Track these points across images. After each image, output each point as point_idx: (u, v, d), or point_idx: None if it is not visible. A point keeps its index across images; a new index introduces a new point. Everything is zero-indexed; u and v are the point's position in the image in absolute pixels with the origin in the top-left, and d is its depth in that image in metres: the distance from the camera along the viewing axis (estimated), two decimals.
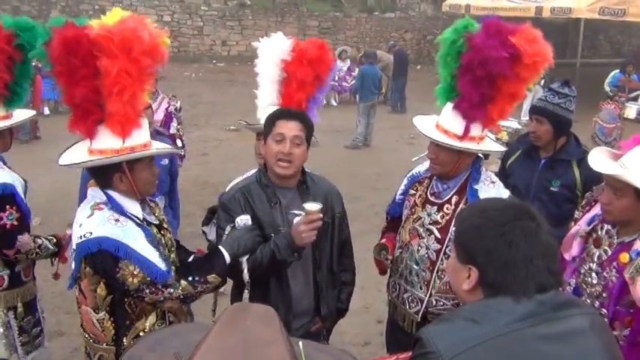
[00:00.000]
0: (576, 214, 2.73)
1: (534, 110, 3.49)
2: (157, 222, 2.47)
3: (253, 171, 2.76)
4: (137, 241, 2.21)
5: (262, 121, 3.12)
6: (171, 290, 2.25)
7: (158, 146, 2.46)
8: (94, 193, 2.31)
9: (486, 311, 1.42)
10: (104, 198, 2.27)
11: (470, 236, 1.51)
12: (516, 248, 1.43)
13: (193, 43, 19.41)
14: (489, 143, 2.72)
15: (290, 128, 2.52)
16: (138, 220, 2.30)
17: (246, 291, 2.48)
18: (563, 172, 3.39)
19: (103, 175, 2.29)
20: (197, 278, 2.31)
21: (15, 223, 2.80)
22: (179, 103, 5.49)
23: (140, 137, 2.28)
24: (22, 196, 2.89)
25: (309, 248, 2.60)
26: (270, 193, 2.58)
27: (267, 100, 3.15)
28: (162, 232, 2.45)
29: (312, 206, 2.42)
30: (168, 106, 5.21)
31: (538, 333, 1.38)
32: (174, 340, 1.17)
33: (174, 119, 5.25)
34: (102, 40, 2.10)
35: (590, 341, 1.43)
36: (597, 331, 1.46)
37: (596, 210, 2.48)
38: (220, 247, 2.42)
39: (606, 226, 2.40)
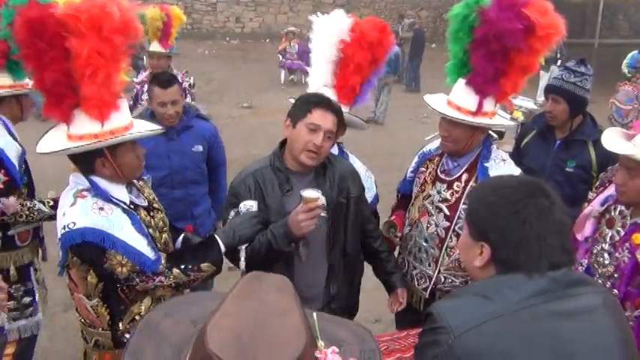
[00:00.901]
0: (590, 194, 2.73)
1: (550, 89, 3.46)
2: (146, 203, 2.37)
3: (269, 153, 2.63)
4: (124, 229, 2.11)
5: None
6: (163, 278, 2.18)
7: (145, 127, 2.29)
8: (77, 180, 2.19)
9: (498, 287, 1.42)
10: (87, 184, 2.16)
11: (483, 214, 1.50)
12: (530, 226, 1.42)
13: (207, 20, 19.31)
14: (500, 118, 2.72)
15: (327, 121, 2.40)
16: (124, 206, 2.20)
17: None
18: (578, 153, 3.36)
19: (84, 161, 2.16)
20: (190, 266, 2.23)
21: (1, 186, 2.77)
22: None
23: (120, 120, 2.14)
24: (14, 161, 2.84)
25: (323, 232, 2.52)
26: (282, 178, 2.48)
27: (320, 81, 2.99)
28: (151, 213, 2.36)
29: (311, 194, 2.31)
30: (182, 82, 5.19)
31: (550, 310, 1.38)
32: (190, 307, 1.20)
33: (189, 95, 5.25)
34: (69, 19, 1.94)
35: (602, 319, 1.43)
36: (610, 309, 1.46)
37: (610, 191, 2.47)
38: (216, 235, 2.34)
39: (620, 207, 2.39)
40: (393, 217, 3.02)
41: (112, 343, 2.30)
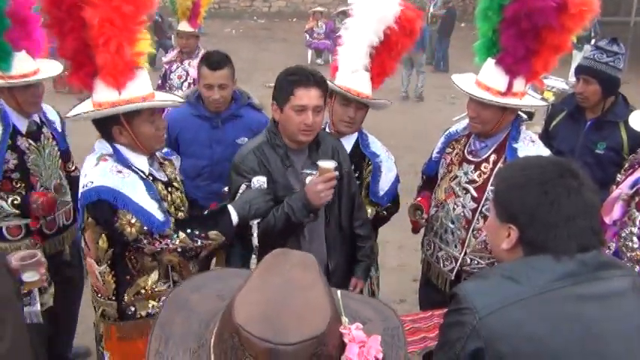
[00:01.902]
0: (618, 177, 2.68)
1: (581, 70, 3.37)
2: (166, 179, 2.42)
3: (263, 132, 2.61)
4: (136, 191, 2.19)
5: (343, 84, 2.85)
6: (169, 241, 2.23)
7: (162, 98, 2.35)
8: (101, 145, 2.29)
9: (525, 270, 1.40)
10: (110, 150, 2.26)
11: (511, 195, 1.47)
12: (558, 207, 1.39)
13: None
14: (530, 98, 2.67)
15: (311, 97, 2.36)
16: (143, 175, 2.27)
17: (253, 256, 2.39)
18: (609, 134, 3.29)
19: (103, 128, 2.27)
20: (197, 232, 2.27)
21: None
22: None
23: (139, 89, 2.21)
24: None
25: (321, 208, 2.51)
26: (282, 154, 2.48)
27: (357, 64, 2.88)
28: (169, 189, 2.41)
29: (327, 164, 2.32)
30: None
31: (578, 293, 1.36)
32: (217, 284, 1.22)
33: None
34: None
35: (630, 303, 1.41)
36: (638, 293, 1.43)
37: None
38: (230, 206, 2.36)
39: None
40: (418, 199, 3.01)
41: (117, 314, 2.36)
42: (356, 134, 2.99)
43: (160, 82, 5.44)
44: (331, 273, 2.64)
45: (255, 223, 2.37)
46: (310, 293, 1.00)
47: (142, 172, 2.28)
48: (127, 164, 2.24)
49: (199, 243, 2.28)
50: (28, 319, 2.86)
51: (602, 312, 1.37)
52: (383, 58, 2.96)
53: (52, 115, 3.15)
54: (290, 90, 2.37)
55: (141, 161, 2.30)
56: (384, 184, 2.97)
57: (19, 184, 2.89)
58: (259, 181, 2.40)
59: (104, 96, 2.18)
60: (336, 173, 2.35)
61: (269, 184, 2.43)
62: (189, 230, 2.27)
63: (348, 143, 2.92)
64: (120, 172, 2.20)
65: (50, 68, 3.00)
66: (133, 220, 2.16)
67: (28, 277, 2.16)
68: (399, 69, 3.19)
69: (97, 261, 2.31)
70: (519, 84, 2.53)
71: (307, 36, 14.59)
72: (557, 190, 1.41)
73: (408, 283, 4.45)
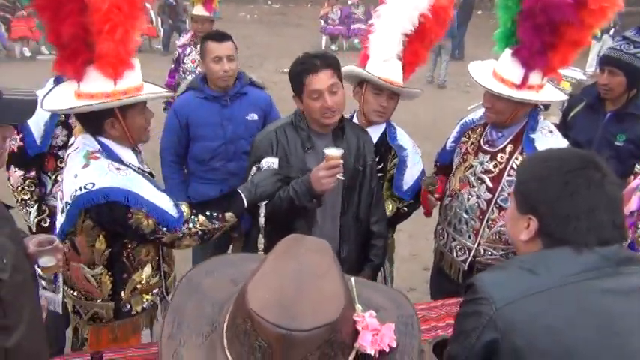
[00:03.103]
0: (636, 168, 2.64)
1: (607, 61, 3.27)
2: (148, 170, 2.35)
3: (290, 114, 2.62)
4: (144, 188, 2.09)
5: (375, 73, 2.82)
6: (190, 225, 2.17)
7: (152, 90, 2.22)
8: (86, 141, 2.14)
9: (545, 261, 1.38)
10: (97, 146, 2.12)
11: (531, 185, 1.45)
12: (578, 199, 1.37)
13: None
14: (549, 92, 2.60)
15: (324, 80, 2.35)
16: (135, 168, 2.18)
17: (260, 236, 2.42)
18: (630, 127, 3.22)
19: (93, 121, 2.11)
20: (215, 214, 2.24)
21: (15, 149, 2.71)
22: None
23: (133, 80, 2.10)
24: (35, 129, 2.75)
25: (338, 196, 2.54)
26: (304, 136, 2.49)
27: (390, 52, 2.85)
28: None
29: (333, 151, 2.30)
30: None
31: (598, 286, 1.34)
32: (230, 268, 1.22)
33: None
34: None
35: None
36: None
37: None
38: (239, 190, 2.36)
39: None
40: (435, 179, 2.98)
41: (112, 314, 2.30)
42: (384, 125, 2.95)
43: (173, 65, 5.43)
44: (343, 260, 2.62)
45: (262, 204, 2.39)
46: (324, 279, 1.00)
47: (134, 166, 2.19)
48: (119, 160, 2.14)
49: (217, 225, 2.24)
50: (51, 306, 2.92)
51: (621, 307, 1.34)
52: (416, 46, 2.92)
53: None
54: (301, 79, 2.39)
55: (129, 155, 2.20)
56: (409, 179, 2.94)
57: (63, 164, 2.88)
58: (268, 162, 2.42)
59: (98, 86, 2.04)
60: (342, 161, 2.33)
61: (282, 165, 2.43)
62: (208, 213, 2.23)
63: (375, 134, 2.89)
64: (118, 169, 2.08)
65: None
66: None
67: (45, 262, 2.14)
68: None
69: (89, 264, 2.23)
70: (535, 77, 2.47)
71: (322, 22, 14.51)
72: (577, 182, 1.38)
73: (418, 271, 4.45)
